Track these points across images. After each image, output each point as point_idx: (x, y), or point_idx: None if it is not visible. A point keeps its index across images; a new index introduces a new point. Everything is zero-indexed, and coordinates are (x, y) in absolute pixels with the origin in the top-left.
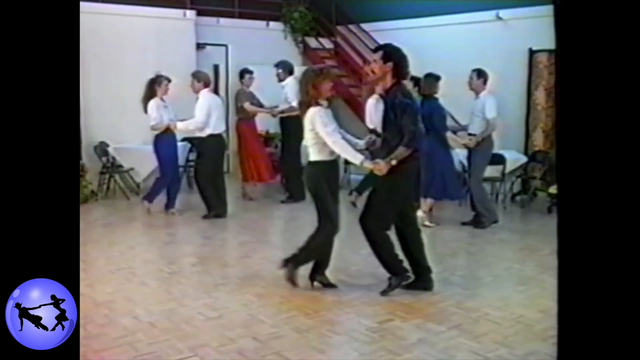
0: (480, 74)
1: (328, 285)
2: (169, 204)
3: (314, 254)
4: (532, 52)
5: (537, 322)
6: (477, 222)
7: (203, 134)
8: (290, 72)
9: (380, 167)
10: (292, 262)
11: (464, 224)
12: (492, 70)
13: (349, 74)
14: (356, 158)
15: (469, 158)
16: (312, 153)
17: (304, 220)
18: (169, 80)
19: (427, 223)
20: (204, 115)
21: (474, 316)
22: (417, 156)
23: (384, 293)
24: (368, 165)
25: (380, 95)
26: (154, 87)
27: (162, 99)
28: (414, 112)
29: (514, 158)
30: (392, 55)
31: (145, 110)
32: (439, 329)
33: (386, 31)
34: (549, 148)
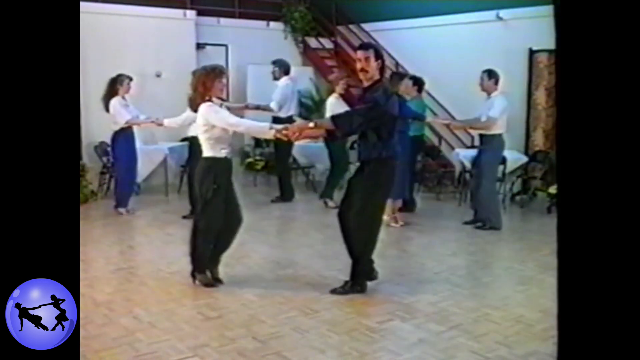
0: (491, 74)
1: (217, 280)
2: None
3: (205, 256)
4: (532, 52)
5: (537, 322)
6: (477, 221)
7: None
8: (287, 72)
9: (289, 132)
10: (197, 272)
11: (466, 223)
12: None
13: (349, 74)
14: (263, 128)
15: (476, 157)
16: (205, 149)
17: (303, 220)
18: (131, 79)
19: (392, 224)
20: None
21: (474, 316)
22: (392, 156)
23: (333, 291)
24: (276, 131)
25: (341, 95)
26: (115, 86)
27: (123, 98)
28: (375, 111)
29: (514, 158)
30: (380, 53)
31: (107, 109)
32: (439, 329)
33: (386, 31)
34: (549, 148)
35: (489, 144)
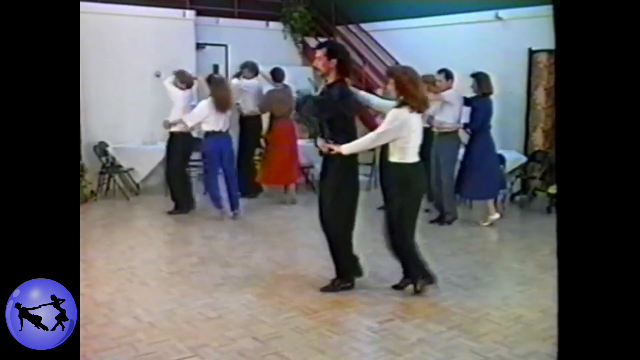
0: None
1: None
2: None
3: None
4: (532, 52)
5: (537, 322)
6: (442, 218)
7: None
8: (256, 73)
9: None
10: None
11: (432, 222)
12: (492, 71)
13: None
14: None
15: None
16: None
17: (303, 220)
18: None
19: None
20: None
21: (474, 316)
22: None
23: (325, 289)
24: None
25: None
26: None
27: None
28: (324, 103)
29: (514, 158)
30: (337, 53)
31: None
32: (439, 329)
33: (386, 31)
34: (549, 148)
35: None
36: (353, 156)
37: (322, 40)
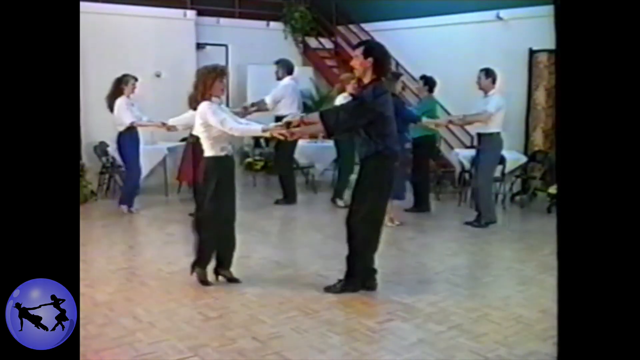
0: (489, 73)
1: (232, 280)
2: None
3: (209, 248)
4: (532, 52)
5: (537, 322)
6: (478, 221)
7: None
8: (290, 71)
9: (283, 132)
10: (197, 265)
11: (467, 223)
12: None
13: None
14: (257, 130)
15: (475, 157)
16: (205, 149)
17: (303, 220)
18: (136, 79)
19: (389, 224)
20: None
21: (474, 316)
22: (389, 155)
23: (327, 289)
24: (271, 129)
25: (352, 95)
26: (120, 86)
27: (128, 97)
28: (360, 108)
29: (514, 158)
30: (373, 51)
31: (111, 109)
32: (439, 329)
33: (386, 31)
34: (549, 148)
35: (487, 144)
36: (389, 160)
37: (361, 41)
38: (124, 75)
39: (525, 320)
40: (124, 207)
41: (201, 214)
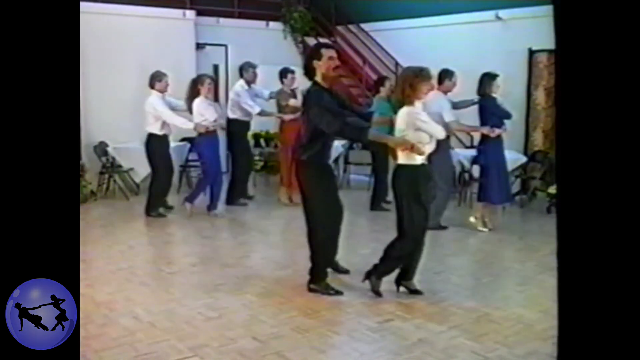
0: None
1: (414, 291)
2: (212, 206)
3: (395, 264)
4: (532, 52)
5: (537, 322)
6: None
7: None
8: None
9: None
10: (374, 274)
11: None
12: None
13: (348, 74)
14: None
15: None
16: (401, 156)
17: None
18: (212, 79)
19: (481, 228)
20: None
21: (474, 316)
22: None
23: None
24: None
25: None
26: (197, 87)
27: (206, 98)
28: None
29: (514, 158)
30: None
31: (190, 110)
32: (439, 329)
33: (386, 31)
34: (549, 148)
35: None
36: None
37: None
38: (199, 76)
39: (525, 320)
40: (187, 204)
41: (406, 229)
